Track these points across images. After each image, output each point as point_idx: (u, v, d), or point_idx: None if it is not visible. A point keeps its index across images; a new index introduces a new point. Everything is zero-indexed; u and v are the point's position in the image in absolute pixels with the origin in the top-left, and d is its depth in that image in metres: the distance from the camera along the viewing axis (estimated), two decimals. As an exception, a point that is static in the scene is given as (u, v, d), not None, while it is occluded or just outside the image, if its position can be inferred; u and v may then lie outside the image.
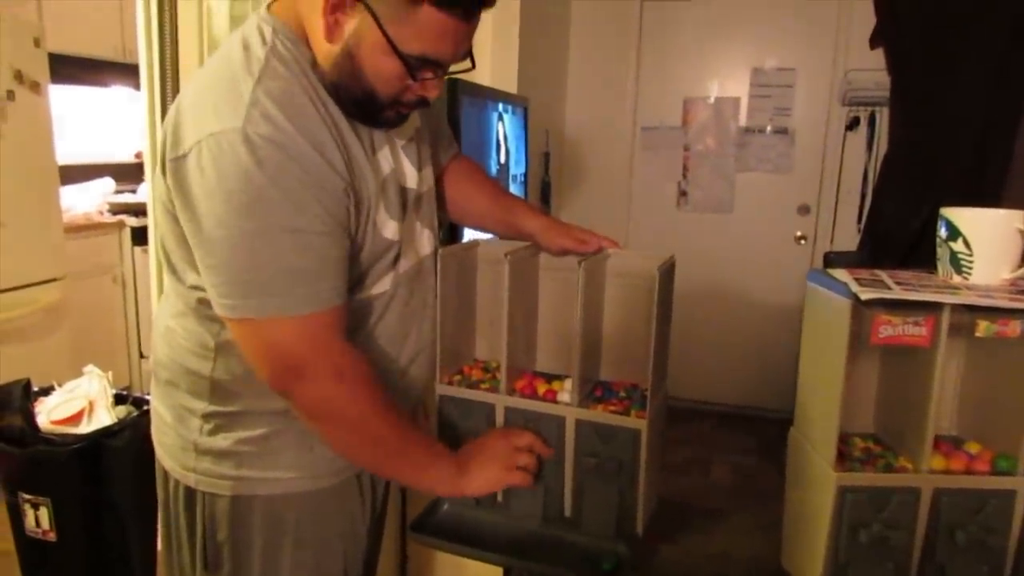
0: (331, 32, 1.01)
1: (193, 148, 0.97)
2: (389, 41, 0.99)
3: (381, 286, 1.16)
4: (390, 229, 1.14)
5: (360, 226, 1.09)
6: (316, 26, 1.02)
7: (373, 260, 1.14)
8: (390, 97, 1.06)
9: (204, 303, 1.09)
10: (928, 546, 1.18)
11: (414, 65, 1.02)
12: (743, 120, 4.20)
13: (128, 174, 4.42)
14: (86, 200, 3.96)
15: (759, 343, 4.28)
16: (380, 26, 0.98)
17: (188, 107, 1.03)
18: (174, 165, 1.00)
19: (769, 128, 4.16)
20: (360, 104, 1.06)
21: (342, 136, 1.05)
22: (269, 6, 1.09)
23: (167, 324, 1.20)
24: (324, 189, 1.01)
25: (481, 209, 1.45)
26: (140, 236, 3.93)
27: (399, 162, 1.18)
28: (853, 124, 4.00)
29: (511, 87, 2.99)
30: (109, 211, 4.03)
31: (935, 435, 1.18)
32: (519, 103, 2.82)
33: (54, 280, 3.33)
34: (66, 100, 4.12)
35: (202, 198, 0.98)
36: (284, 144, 0.97)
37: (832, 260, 3.34)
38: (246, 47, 1.03)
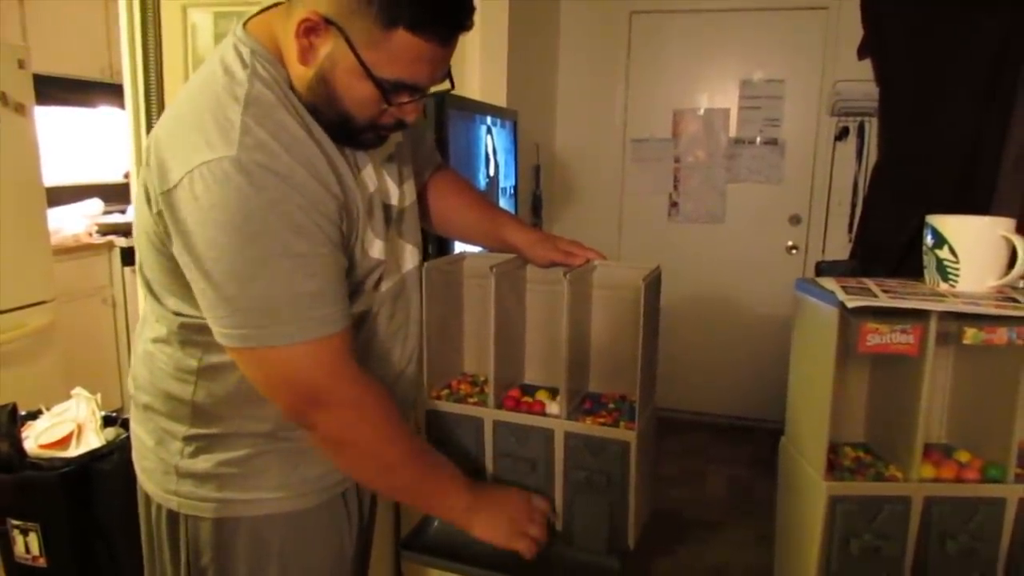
0: (305, 55, 1.00)
1: (184, 178, 0.95)
2: (363, 66, 0.97)
3: (363, 305, 1.15)
4: (376, 248, 1.13)
5: (350, 246, 1.08)
6: (290, 48, 1.01)
7: (360, 280, 1.12)
8: (366, 121, 1.05)
9: (186, 328, 1.07)
10: (919, 556, 1.17)
11: (389, 89, 1.01)
12: (733, 131, 4.20)
13: (116, 194, 4.40)
14: (74, 221, 3.93)
15: (752, 353, 4.27)
16: (354, 51, 0.97)
17: (172, 135, 1.01)
18: (165, 198, 0.98)
19: (759, 139, 4.17)
20: (337, 127, 1.05)
21: (329, 156, 1.04)
22: (244, 24, 1.07)
23: (146, 348, 1.17)
24: (321, 212, 0.99)
25: (466, 221, 1.44)
26: (129, 257, 3.90)
27: (382, 179, 1.17)
28: (842, 134, 4.01)
29: (500, 100, 3.00)
30: (98, 232, 4.00)
31: (925, 443, 1.18)
32: (508, 116, 2.82)
33: (43, 303, 3.31)
34: (53, 121, 4.10)
35: (198, 228, 0.95)
36: (280, 171, 0.95)
37: (824, 269, 3.33)
38: (227, 70, 1.02)
